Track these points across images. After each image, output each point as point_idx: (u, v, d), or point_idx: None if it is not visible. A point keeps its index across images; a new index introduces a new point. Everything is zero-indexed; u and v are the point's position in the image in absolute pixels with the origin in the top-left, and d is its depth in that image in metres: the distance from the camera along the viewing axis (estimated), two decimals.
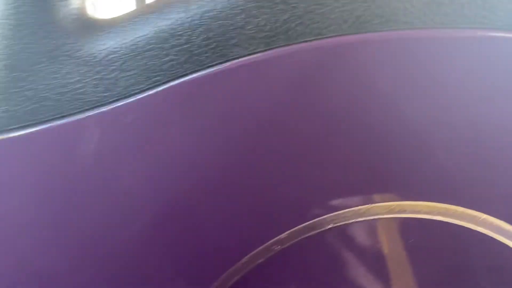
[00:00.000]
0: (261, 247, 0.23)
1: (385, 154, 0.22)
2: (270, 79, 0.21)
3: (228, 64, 0.20)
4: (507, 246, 0.23)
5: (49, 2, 0.20)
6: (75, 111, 0.21)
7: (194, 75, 0.21)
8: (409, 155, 0.22)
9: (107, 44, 0.21)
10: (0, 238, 0.23)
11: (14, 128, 0.22)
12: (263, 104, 0.21)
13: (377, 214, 0.23)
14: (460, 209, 0.22)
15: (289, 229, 0.23)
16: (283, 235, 0.23)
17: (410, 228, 0.23)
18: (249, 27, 0.20)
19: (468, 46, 0.20)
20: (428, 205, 0.23)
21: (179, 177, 0.22)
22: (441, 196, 0.22)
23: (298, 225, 0.23)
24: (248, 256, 0.23)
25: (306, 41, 0.20)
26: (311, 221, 0.23)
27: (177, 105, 0.21)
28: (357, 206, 0.22)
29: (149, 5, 0.21)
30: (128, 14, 0.21)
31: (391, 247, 0.23)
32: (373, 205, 0.22)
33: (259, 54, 0.20)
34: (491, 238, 0.23)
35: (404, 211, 0.23)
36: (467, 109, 0.21)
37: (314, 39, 0.20)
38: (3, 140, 0.22)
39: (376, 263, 0.23)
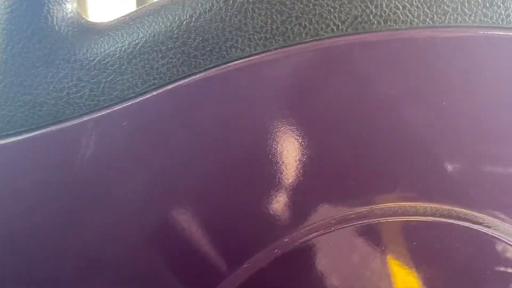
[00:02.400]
0: (261, 252, 0.23)
1: (386, 156, 0.21)
2: (268, 81, 0.20)
3: (225, 66, 0.20)
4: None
5: (44, 7, 0.20)
6: (72, 115, 0.21)
7: (191, 77, 0.20)
8: (410, 157, 0.21)
9: (103, 48, 0.20)
10: None
11: (11, 134, 0.21)
12: (262, 106, 0.20)
13: (379, 216, 0.22)
14: (463, 210, 0.22)
15: (290, 233, 0.22)
16: (284, 239, 0.22)
17: (413, 230, 0.23)
18: (246, 29, 0.20)
19: (470, 45, 0.20)
20: (430, 206, 0.22)
21: (176, 181, 0.22)
22: (443, 198, 0.22)
23: (299, 228, 0.22)
24: (249, 260, 0.23)
25: (304, 42, 0.20)
26: (312, 224, 0.22)
27: (174, 107, 0.21)
28: (358, 208, 0.22)
29: (144, 8, 0.21)
30: (124, 17, 0.21)
31: (394, 249, 0.23)
32: (375, 206, 0.22)
33: (257, 56, 0.20)
34: (497, 238, 0.23)
35: (406, 213, 0.22)
36: (469, 110, 0.21)
37: (312, 40, 0.20)
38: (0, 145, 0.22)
39: (380, 266, 0.23)
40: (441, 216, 0.22)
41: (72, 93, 0.21)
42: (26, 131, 0.21)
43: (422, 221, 0.22)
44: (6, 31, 0.20)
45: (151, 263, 0.23)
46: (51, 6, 0.20)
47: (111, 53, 0.20)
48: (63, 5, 0.21)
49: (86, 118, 0.21)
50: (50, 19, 0.20)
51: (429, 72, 0.20)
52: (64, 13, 0.21)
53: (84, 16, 0.21)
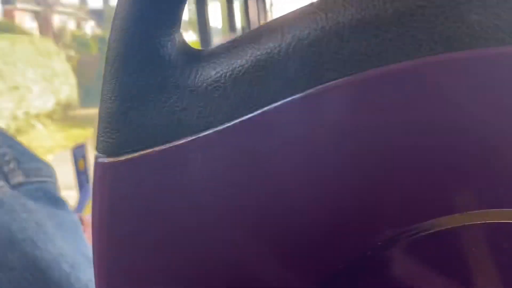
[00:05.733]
0: (352, 259, 0.24)
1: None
2: (365, 99, 0.22)
3: (322, 86, 0.22)
4: None
5: (154, 40, 0.22)
6: (182, 135, 0.23)
7: (290, 98, 0.22)
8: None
9: (209, 75, 0.22)
10: None
11: (127, 151, 0.24)
12: (360, 121, 0.22)
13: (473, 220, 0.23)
14: None
15: (381, 239, 0.24)
16: (374, 245, 0.24)
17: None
18: (342, 52, 0.21)
19: None
20: None
21: (275, 193, 0.23)
22: None
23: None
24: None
25: (398, 62, 0.21)
26: (407, 226, 0.23)
27: (274, 126, 0.23)
28: (449, 214, 0.23)
29: (244, 36, 0.23)
30: (226, 45, 0.23)
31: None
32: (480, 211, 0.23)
33: (353, 76, 0.21)
34: None
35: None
36: None
37: (406, 60, 0.21)
38: (116, 162, 0.24)
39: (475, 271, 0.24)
40: None
41: (182, 116, 0.23)
42: (141, 149, 0.24)
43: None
44: (122, 63, 0.23)
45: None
46: (161, 39, 0.22)
47: (216, 79, 0.22)
48: (171, 36, 0.23)
49: (194, 137, 0.23)
50: (161, 50, 0.22)
51: None
52: (173, 44, 0.23)
53: (189, 45, 0.23)
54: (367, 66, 0.21)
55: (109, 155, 0.24)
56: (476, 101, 0.21)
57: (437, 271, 0.24)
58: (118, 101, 0.23)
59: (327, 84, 0.22)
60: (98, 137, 0.25)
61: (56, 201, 0.54)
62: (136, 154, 0.24)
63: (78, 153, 1.28)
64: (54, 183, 0.56)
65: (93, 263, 0.26)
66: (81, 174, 1.26)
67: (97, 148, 0.25)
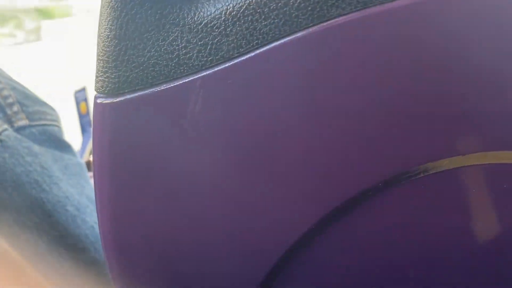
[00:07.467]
0: (353, 196, 0.24)
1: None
2: (370, 36, 0.21)
3: (325, 24, 0.21)
4: None
5: None
6: (182, 75, 0.23)
7: (292, 36, 0.21)
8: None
9: (209, 12, 0.22)
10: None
11: (127, 92, 0.24)
12: (361, 60, 0.21)
13: (470, 162, 0.23)
14: None
15: (382, 179, 0.24)
16: (375, 185, 0.24)
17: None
18: None
19: None
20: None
21: (277, 133, 0.23)
22: None
23: (390, 175, 0.24)
24: (344, 201, 0.24)
25: None
26: (403, 170, 0.24)
27: (276, 65, 0.22)
28: (450, 156, 0.23)
29: None
30: None
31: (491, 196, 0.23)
32: (465, 156, 0.23)
33: (357, 13, 0.21)
34: None
35: None
36: None
37: None
38: (115, 102, 0.24)
39: (472, 212, 0.24)
40: None
41: (181, 55, 0.22)
42: (140, 89, 0.24)
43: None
44: (120, 1, 0.22)
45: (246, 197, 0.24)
46: None
47: (216, 16, 0.22)
48: None
49: (194, 77, 0.23)
50: None
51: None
52: None
53: None
54: (374, 1, 0.20)
55: (108, 95, 0.24)
56: (479, 35, 0.20)
57: (437, 212, 0.24)
58: (116, 39, 0.23)
59: (330, 21, 0.21)
60: (96, 76, 0.24)
61: (61, 144, 0.54)
62: (135, 94, 0.24)
63: (80, 96, 1.27)
64: (59, 126, 0.56)
65: (96, 204, 0.26)
66: (83, 117, 1.26)
67: (96, 88, 0.24)
